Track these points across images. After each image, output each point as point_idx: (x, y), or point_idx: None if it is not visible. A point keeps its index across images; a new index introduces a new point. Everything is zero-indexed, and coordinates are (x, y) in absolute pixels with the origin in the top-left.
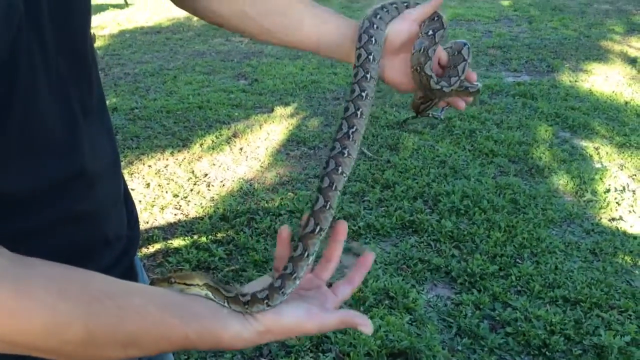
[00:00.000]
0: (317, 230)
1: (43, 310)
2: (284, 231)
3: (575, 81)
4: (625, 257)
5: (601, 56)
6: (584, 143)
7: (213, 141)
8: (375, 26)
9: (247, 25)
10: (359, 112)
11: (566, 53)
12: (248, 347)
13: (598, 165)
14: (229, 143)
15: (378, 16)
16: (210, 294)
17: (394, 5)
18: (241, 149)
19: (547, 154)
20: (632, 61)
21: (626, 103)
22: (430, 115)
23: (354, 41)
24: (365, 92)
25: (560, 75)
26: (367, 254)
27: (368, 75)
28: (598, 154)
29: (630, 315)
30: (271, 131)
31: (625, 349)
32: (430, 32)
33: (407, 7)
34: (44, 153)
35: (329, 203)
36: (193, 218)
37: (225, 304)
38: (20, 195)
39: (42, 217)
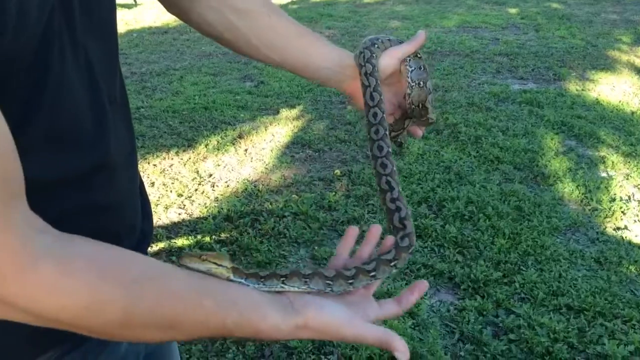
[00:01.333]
0: (410, 249)
1: (85, 290)
2: (353, 230)
3: (582, 90)
4: (630, 267)
5: (608, 66)
6: (590, 152)
7: (218, 142)
8: (375, 56)
9: (237, 39)
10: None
11: (573, 62)
12: (285, 339)
13: (604, 174)
14: (234, 144)
15: (375, 45)
16: (234, 276)
17: (381, 40)
18: (246, 150)
19: (552, 162)
20: (639, 71)
21: (633, 113)
22: (399, 141)
23: (343, 67)
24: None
25: (566, 84)
26: (421, 282)
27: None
28: (604, 163)
29: (635, 325)
30: (276, 133)
31: (628, 358)
32: (422, 67)
33: (390, 42)
34: (72, 144)
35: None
36: (197, 218)
37: (261, 283)
38: (45, 184)
39: (65, 207)
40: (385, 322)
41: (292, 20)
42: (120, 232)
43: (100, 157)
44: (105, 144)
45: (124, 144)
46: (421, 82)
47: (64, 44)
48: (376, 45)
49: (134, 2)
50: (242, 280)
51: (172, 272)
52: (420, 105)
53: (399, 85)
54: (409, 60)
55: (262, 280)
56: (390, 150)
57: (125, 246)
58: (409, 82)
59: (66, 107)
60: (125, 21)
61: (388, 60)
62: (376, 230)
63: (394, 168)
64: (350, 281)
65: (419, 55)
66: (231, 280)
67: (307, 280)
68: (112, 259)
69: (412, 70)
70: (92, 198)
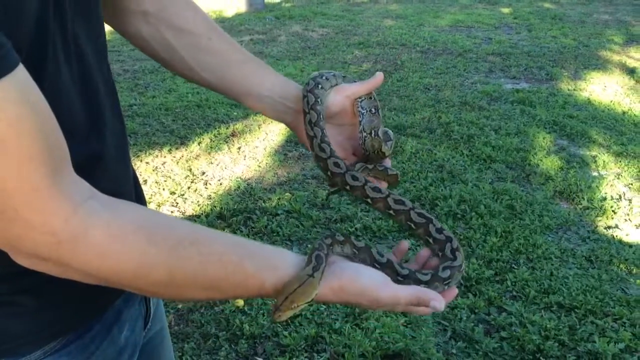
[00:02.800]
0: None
1: (133, 254)
2: (404, 245)
3: (574, 90)
4: (621, 265)
5: (600, 66)
6: (581, 151)
7: (211, 140)
8: (320, 87)
9: (172, 58)
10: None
11: (565, 62)
12: (319, 302)
13: (595, 174)
14: (227, 142)
15: (323, 77)
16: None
17: (333, 74)
18: (239, 148)
19: (544, 161)
20: (630, 71)
21: (624, 113)
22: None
23: (286, 98)
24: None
25: (558, 84)
26: (453, 289)
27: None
28: (595, 162)
29: (625, 323)
30: (270, 131)
31: (619, 356)
32: (374, 111)
33: (335, 78)
34: (68, 135)
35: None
36: (190, 216)
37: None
38: None
39: None
40: (377, 320)
41: (238, 46)
42: None
43: (95, 147)
44: (100, 134)
45: (116, 133)
46: (372, 131)
47: (56, 37)
48: (320, 86)
49: None
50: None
51: (214, 236)
52: (377, 152)
53: (350, 127)
54: (361, 101)
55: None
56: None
57: None
58: (361, 130)
59: (61, 99)
60: None
61: (336, 97)
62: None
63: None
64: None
65: (371, 97)
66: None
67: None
68: (157, 223)
69: (363, 115)
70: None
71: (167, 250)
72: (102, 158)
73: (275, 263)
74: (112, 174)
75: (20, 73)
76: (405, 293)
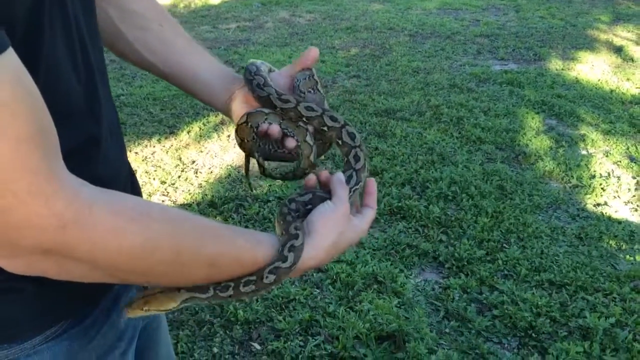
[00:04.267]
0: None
1: (139, 229)
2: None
3: (562, 69)
4: (610, 242)
5: (587, 45)
6: (570, 130)
7: (200, 128)
8: (261, 71)
9: (118, 40)
10: None
11: (553, 42)
12: (310, 257)
13: (584, 152)
14: (216, 130)
15: (257, 64)
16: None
17: (263, 62)
18: (229, 136)
19: (533, 141)
20: (617, 50)
21: (611, 91)
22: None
23: (230, 83)
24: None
25: (547, 64)
26: (369, 181)
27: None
28: (584, 140)
29: (615, 298)
30: None
31: (610, 330)
32: (312, 91)
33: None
34: (65, 118)
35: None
36: (181, 205)
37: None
38: None
39: None
40: (371, 302)
41: (185, 34)
42: None
43: (92, 129)
44: (96, 116)
45: (111, 116)
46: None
47: (54, 16)
48: (260, 70)
49: None
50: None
51: (201, 216)
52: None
53: None
54: (298, 83)
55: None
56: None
57: None
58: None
59: (60, 79)
60: None
61: (280, 79)
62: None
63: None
64: None
65: (311, 76)
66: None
67: None
68: (150, 204)
69: (303, 96)
70: (86, 171)
71: (168, 225)
72: (99, 142)
73: (259, 238)
74: (109, 158)
75: (12, 55)
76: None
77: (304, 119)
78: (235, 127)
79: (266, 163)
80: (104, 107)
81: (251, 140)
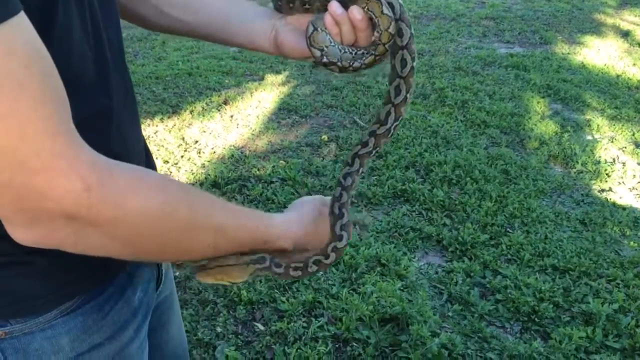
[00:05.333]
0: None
1: (157, 191)
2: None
3: (568, 53)
4: (614, 228)
5: (594, 29)
6: (575, 115)
7: (203, 108)
8: None
9: (144, 6)
10: None
11: (559, 25)
12: (298, 225)
13: (589, 137)
14: (219, 110)
15: None
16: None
17: None
18: (232, 116)
19: (538, 126)
20: (624, 34)
21: (618, 76)
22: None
23: (269, 17)
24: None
25: (552, 48)
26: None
27: None
28: (589, 126)
29: (619, 284)
30: (262, 99)
31: (612, 316)
32: None
33: None
34: (75, 90)
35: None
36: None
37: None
38: None
39: None
40: (374, 284)
41: None
42: None
43: (104, 101)
44: (107, 89)
45: (124, 90)
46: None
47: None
48: None
49: None
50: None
51: (203, 190)
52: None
53: None
54: None
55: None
56: None
57: None
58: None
59: (71, 50)
60: None
61: None
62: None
63: None
64: None
65: None
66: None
67: None
68: (163, 174)
69: None
70: (99, 145)
71: (182, 191)
72: (110, 115)
73: (255, 211)
74: (123, 133)
75: (25, 19)
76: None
77: None
78: (308, 42)
79: (345, 61)
80: (115, 81)
81: (329, 44)
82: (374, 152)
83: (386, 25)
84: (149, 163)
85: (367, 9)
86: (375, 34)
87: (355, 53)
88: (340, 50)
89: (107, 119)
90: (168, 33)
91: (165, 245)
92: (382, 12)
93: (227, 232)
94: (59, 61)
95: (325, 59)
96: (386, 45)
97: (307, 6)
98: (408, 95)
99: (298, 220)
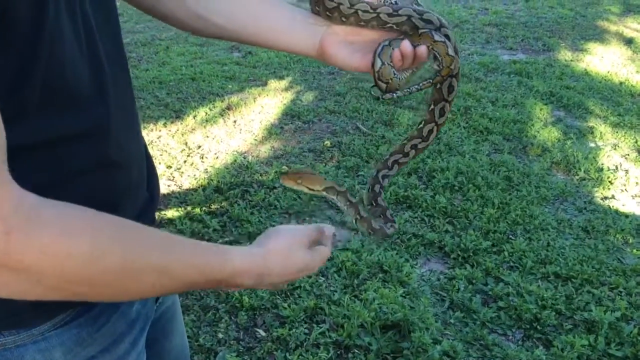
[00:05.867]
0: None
1: (88, 234)
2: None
3: (571, 60)
4: (617, 235)
5: (597, 36)
6: (578, 122)
7: (206, 113)
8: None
9: (180, 11)
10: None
11: (562, 32)
12: (261, 273)
13: (592, 145)
14: (222, 116)
15: None
16: (332, 197)
17: None
18: (235, 121)
19: (541, 133)
20: (627, 42)
21: (621, 83)
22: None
23: (312, 24)
24: None
25: (555, 54)
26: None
27: None
28: (592, 133)
29: (621, 292)
30: (265, 104)
31: (615, 324)
32: None
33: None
34: (70, 100)
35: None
36: (187, 189)
37: (346, 206)
38: (47, 143)
39: (71, 165)
40: (376, 291)
41: None
42: (126, 192)
43: (100, 112)
44: (104, 99)
45: (124, 101)
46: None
47: (60, 4)
48: None
49: None
50: (334, 197)
51: (149, 227)
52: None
53: None
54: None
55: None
56: None
57: (130, 208)
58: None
59: (63, 60)
60: None
61: None
62: None
63: None
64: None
65: None
66: (324, 197)
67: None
68: (97, 212)
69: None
70: (96, 155)
71: (117, 231)
72: (108, 125)
73: (209, 246)
74: (121, 142)
75: None
76: (309, 230)
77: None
78: (376, 76)
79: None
80: (113, 91)
81: (393, 77)
82: (409, 162)
83: (448, 63)
84: (150, 169)
85: (433, 48)
86: (436, 67)
87: (414, 82)
88: (400, 79)
89: (105, 129)
90: (208, 37)
91: (99, 288)
92: (447, 53)
93: (173, 272)
94: (50, 70)
95: (388, 93)
96: (444, 77)
97: (362, 23)
98: (448, 116)
99: (263, 256)
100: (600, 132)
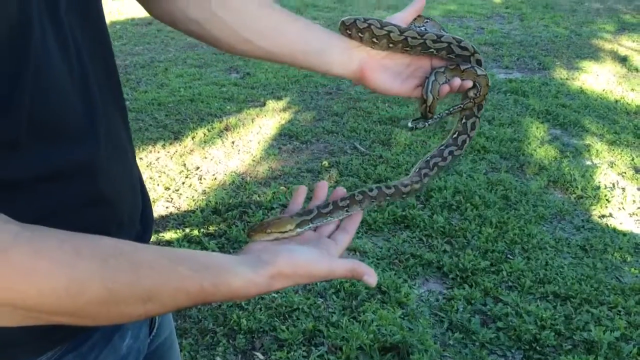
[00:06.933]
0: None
1: (63, 269)
2: (303, 189)
3: (567, 79)
4: (615, 254)
5: (592, 54)
6: (574, 140)
7: (205, 134)
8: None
9: (227, 34)
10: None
11: (557, 51)
12: (261, 293)
13: (588, 163)
14: (220, 136)
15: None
16: (307, 227)
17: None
18: (233, 142)
19: (538, 151)
20: (622, 60)
21: (616, 101)
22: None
23: (346, 47)
24: None
25: (551, 73)
26: (357, 212)
27: None
28: (588, 151)
29: (620, 311)
30: (263, 125)
31: (614, 344)
32: (428, 26)
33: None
34: (59, 133)
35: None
36: (185, 211)
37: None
38: (26, 182)
39: (62, 199)
40: (375, 312)
41: (280, 7)
42: (115, 228)
43: (90, 144)
44: (95, 134)
45: (116, 128)
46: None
47: (44, 22)
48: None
49: None
50: (310, 226)
51: (140, 246)
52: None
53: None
54: (422, 26)
55: (326, 215)
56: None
57: (126, 237)
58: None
59: (50, 89)
60: (109, 12)
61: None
62: (323, 186)
63: None
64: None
65: (431, 19)
66: (300, 234)
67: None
68: (81, 238)
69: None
70: (85, 188)
71: (98, 262)
72: (98, 157)
73: (207, 262)
74: (111, 175)
75: None
76: (341, 267)
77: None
78: (427, 110)
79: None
80: (105, 120)
81: (434, 110)
82: (446, 166)
83: (485, 92)
84: (144, 198)
85: (475, 80)
86: (472, 94)
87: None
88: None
89: (95, 164)
90: (244, 56)
91: (82, 318)
92: (487, 84)
93: (161, 300)
94: (37, 102)
95: (432, 121)
96: (475, 102)
97: (407, 48)
98: (476, 130)
99: (267, 282)
100: (597, 150)
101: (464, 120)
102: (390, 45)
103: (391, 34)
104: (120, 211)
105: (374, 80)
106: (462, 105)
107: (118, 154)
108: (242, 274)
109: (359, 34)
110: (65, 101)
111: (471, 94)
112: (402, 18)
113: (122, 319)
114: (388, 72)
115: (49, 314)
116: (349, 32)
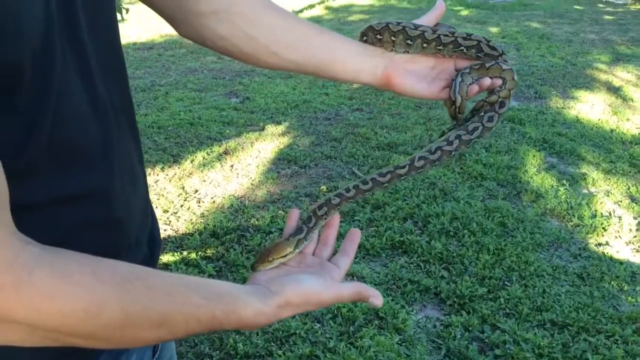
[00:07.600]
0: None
1: (82, 292)
2: (294, 212)
3: (562, 108)
4: (612, 282)
5: (587, 84)
6: (571, 169)
7: (204, 158)
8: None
9: (256, 49)
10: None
11: (553, 80)
12: (269, 323)
13: (585, 191)
14: (219, 160)
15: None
16: (302, 245)
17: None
18: (232, 166)
19: (535, 179)
20: (616, 90)
21: (612, 131)
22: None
23: (372, 55)
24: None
25: (547, 102)
26: (353, 230)
27: None
28: (585, 179)
29: (617, 340)
30: (262, 149)
31: None
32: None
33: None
34: (74, 162)
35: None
36: (183, 234)
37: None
38: (43, 205)
39: (66, 226)
40: (372, 338)
41: (304, 19)
42: (123, 250)
43: (104, 170)
44: (109, 158)
45: (129, 156)
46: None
47: (65, 46)
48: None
49: (120, 18)
50: (305, 243)
51: (156, 272)
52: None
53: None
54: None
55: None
56: None
57: (134, 260)
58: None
59: (71, 116)
60: None
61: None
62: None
63: None
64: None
65: (451, 27)
66: (299, 252)
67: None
68: (100, 262)
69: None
70: (98, 213)
71: (115, 286)
72: (112, 183)
73: (221, 291)
74: (123, 200)
75: None
76: (347, 292)
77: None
78: (457, 111)
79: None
80: (120, 146)
81: (463, 110)
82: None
83: (511, 87)
84: (152, 218)
85: (502, 75)
86: (497, 91)
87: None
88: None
89: (109, 188)
90: (268, 68)
91: (98, 341)
92: (512, 78)
93: (173, 324)
94: (57, 125)
95: (460, 120)
96: (500, 97)
97: (440, 47)
98: (497, 122)
99: (275, 312)
100: (593, 179)
101: (482, 114)
102: (425, 45)
103: (425, 34)
104: (131, 233)
105: (401, 84)
106: (485, 100)
107: (130, 177)
108: (252, 305)
109: (392, 37)
110: (84, 127)
111: (496, 92)
112: (427, 22)
113: (135, 343)
114: (413, 76)
115: (67, 335)
116: (380, 37)
